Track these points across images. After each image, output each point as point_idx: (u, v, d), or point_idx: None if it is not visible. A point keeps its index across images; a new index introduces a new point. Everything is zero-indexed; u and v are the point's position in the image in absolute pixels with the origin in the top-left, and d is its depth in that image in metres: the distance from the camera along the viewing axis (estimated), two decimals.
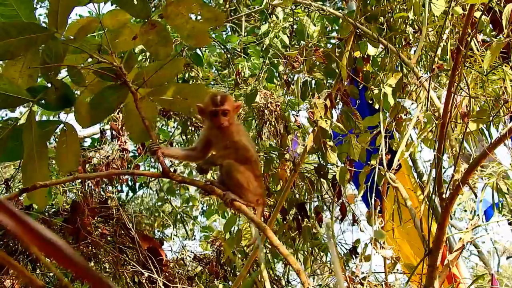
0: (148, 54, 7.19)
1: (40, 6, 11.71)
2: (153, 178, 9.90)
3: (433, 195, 4.61)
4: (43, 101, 3.40)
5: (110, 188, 7.10)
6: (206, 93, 3.74)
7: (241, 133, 3.71)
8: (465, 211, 14.58)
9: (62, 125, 3.51)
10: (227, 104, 3.56)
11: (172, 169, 7.03)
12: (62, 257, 0.77)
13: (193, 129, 7.98)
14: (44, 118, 6.07)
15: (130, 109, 3.65)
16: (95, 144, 8.21)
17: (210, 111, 3.56)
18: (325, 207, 6.86)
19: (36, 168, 3.32)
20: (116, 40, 3.59)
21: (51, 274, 5.90)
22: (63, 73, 3.85)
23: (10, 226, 0.75)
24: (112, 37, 3.53)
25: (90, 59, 3.52)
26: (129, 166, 7.18)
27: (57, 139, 3.70)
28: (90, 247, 5.90)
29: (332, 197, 6.24)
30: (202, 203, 11.49)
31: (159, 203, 11.56)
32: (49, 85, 3.40)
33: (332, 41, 7.17)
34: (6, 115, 12.01)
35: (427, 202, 4.96)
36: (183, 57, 7.31)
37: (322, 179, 6.33)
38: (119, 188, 8.45)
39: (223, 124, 3.56)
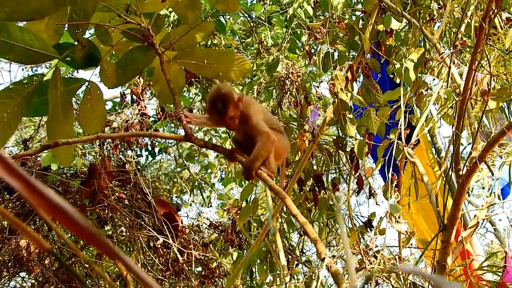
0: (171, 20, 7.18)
1: None
2: (172, 144, 9.96)
3: (450, 171, 4.61)
4: (68, 59, 3.40)
5: (129, 152, 7.14)
6: (233, 60, 3.72)
7: (253, 111, 3.61)
8: (483, 188, 14.59)
9: (86, 83, 3.51)
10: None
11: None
12: (70, 223, 0.78)
13: None
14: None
15: (159, 71, 3.64)
16: (116, 108, 8.23)
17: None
18: (342, 179, 6.87)
19: (61, 125, 3.33)
20: (145, 1, 3.58)
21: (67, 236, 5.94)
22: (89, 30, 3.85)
23: (16, 187, 0.75)
24: None
25: (117, 19, 3.52)
26: (149, 130, 7.19)
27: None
28: (106, 211, 5.94)
29: (349, 169, 6.25)
30: (221, 170, 11.55)
31: (178, 169, 11.62)
32: (75, 42, 3.41)
33: (356, 13, 7.14)
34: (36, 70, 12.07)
35: (444, 178, 4.98)
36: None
37: (340, 151, 6.34)
38: (138, 152, 8.51)
39: (232, 126, 3.56)
